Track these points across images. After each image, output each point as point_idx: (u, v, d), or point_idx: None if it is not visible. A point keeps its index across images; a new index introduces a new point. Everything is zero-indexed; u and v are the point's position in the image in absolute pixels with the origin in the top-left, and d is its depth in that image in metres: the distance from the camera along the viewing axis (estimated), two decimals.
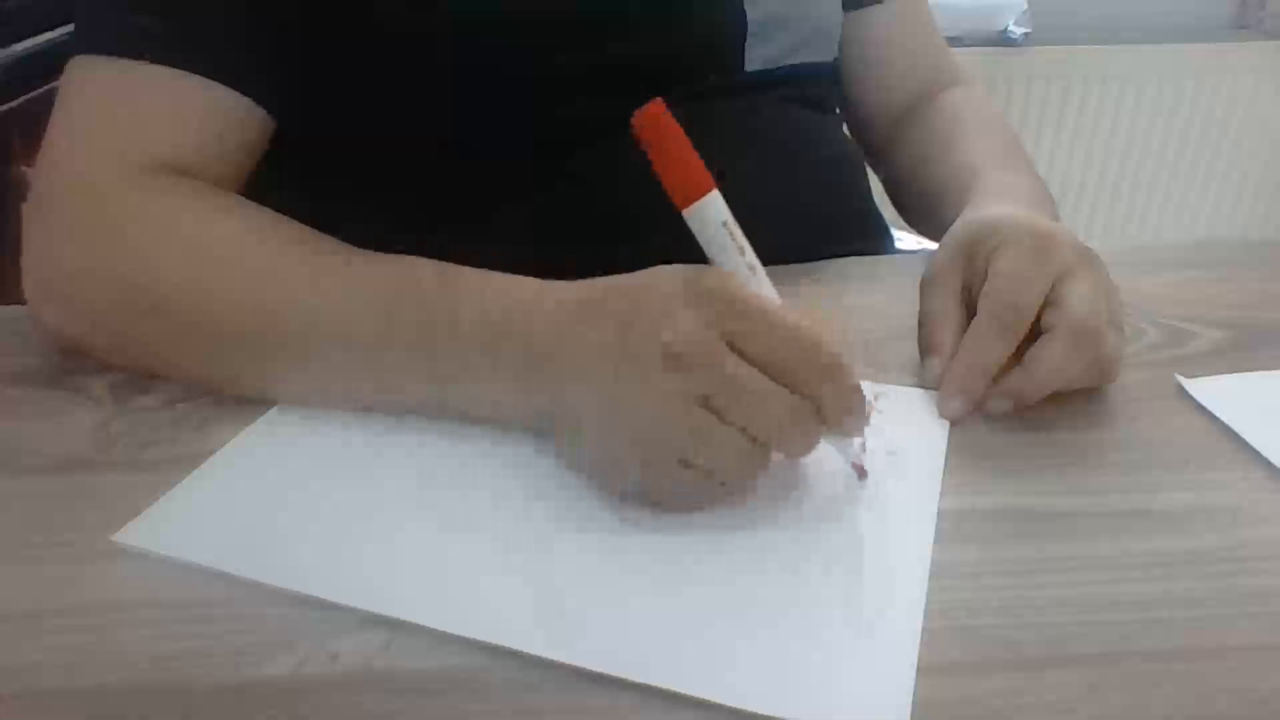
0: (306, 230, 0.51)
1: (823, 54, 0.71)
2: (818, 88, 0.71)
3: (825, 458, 0.43)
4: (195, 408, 0.48)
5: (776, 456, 0.42)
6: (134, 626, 0.36)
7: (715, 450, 0.39)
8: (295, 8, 0.56)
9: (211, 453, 0.45)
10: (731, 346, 0.39)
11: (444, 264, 0.48)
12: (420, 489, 0.43)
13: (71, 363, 0.52)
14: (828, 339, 0.40)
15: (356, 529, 0.40)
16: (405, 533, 0.40)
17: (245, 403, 0.48)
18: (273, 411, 0.48)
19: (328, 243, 0.50)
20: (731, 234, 0.41)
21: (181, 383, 0.50)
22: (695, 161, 0.40)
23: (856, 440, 0.43)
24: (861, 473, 0.44)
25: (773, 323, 0.39)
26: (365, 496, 0.42)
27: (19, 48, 0.95)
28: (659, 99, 0.39)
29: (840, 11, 0.73)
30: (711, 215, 0.41)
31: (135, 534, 0.40)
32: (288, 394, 0.48)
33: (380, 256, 0.49)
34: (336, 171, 0.64)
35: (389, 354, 0.46)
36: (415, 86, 0.59)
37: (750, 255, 0.42)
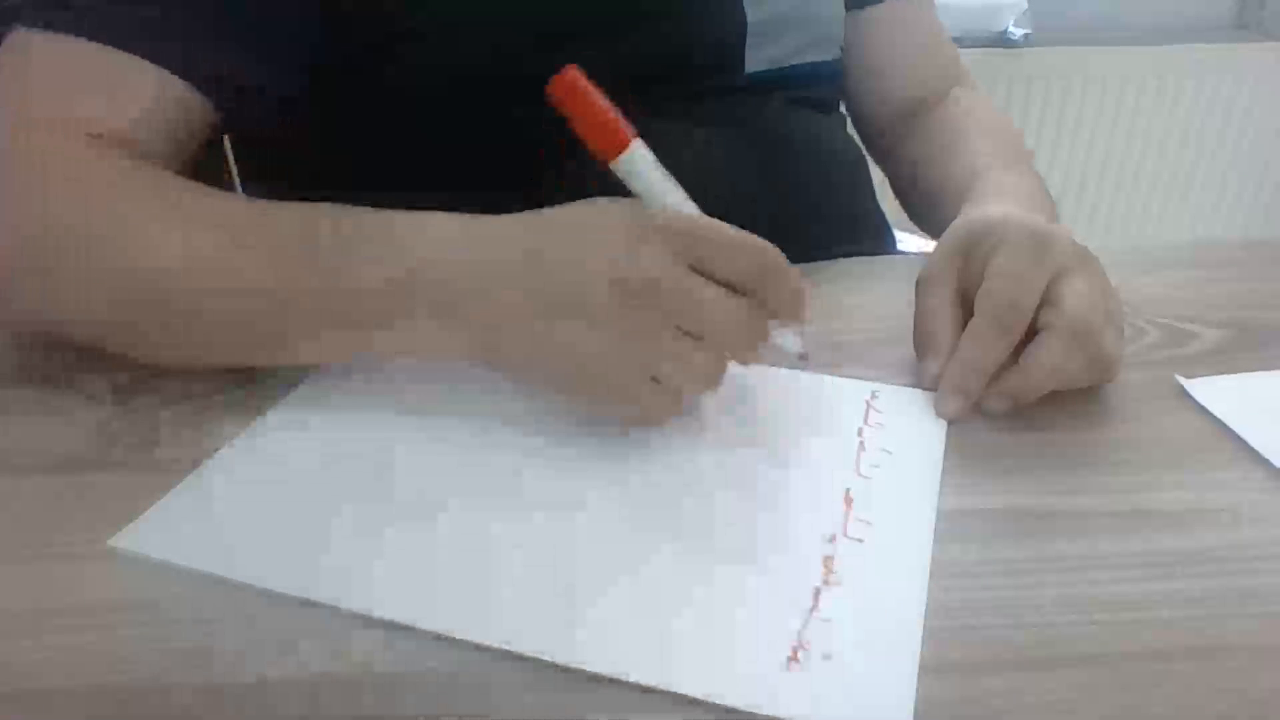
0: (210, 189, 0.50)
1: (825, 54, 0.71)
2: (820, 88, 0.71)
3: (829, 467, 0.42)
4: (195, 408, 0.48)
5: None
6: (134, 627, 0.36)
7: (690, 368, 0.43)
8: (297, 7, 0.56)
9: (211, 453, 0.45)
10: (697, 273, 0.42)
11: (342, 216, 0.47)
12: (419, 491, 0.43)
13: (72, 362, 0.52)
14: (766, 243, 0.44)
15: (354, 532, 0.40)
16: (403, 535, 0.40)
17: (245, 403, 0.48)
18: (270, 414, 0.48)
19: (234, 199, 0.50)
20: (666, 172, 0.45)
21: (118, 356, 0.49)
22: (615, 116, 0.44)
23: (795, 330, 0.47)
24: (804, 358, 0.48)
25: (731, 243, 0.43)
26: (363, 499, 0.42)
27: None
28: (573, 64, 0.43)
29: (843, 11, 0.73)
30: (647, 158, 0.45)
31: (131, 539, 0.40)
32: (176, 357, 0.48)
33: (282, 207, 0.48)
34: (329, 170, 0.64)
35: (290, 311, 0.46)
36: (409, 86, 0.59)
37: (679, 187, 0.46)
